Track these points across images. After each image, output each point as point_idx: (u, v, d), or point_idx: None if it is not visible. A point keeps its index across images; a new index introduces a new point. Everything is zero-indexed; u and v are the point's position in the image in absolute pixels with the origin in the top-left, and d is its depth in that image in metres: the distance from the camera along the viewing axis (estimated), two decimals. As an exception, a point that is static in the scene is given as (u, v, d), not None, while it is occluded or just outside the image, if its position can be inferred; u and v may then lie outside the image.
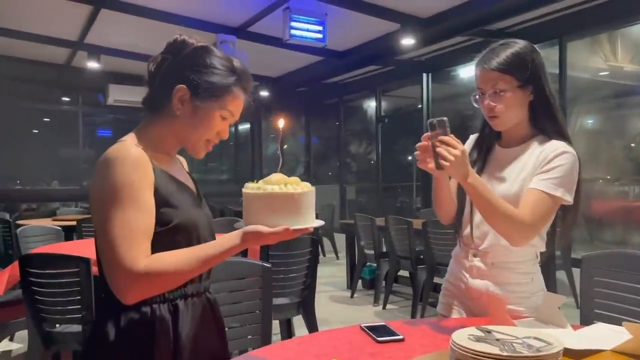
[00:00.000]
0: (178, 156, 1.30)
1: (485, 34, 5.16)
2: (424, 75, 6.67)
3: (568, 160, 1.37)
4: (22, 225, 4.30)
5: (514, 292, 1.44)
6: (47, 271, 2.31)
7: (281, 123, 1.21)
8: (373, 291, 5.04)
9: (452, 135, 1.28)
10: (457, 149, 1.26)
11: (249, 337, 2.06)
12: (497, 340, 1.07)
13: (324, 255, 7.61)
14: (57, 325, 2.44)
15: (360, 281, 5.37)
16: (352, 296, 5.15)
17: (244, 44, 5.57)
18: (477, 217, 1.46)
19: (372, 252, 4.91)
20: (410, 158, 8.65)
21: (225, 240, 1.01)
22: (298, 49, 5.75)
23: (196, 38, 1.14)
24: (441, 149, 1.26)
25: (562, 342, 1.04)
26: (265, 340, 2.05)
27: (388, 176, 8.32)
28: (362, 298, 5.14)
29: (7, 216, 5.47)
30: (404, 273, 4.84)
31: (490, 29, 5.15)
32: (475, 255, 1.50)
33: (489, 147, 1.54)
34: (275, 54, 6.18)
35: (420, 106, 6.80)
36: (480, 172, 1.50)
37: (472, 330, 1.12)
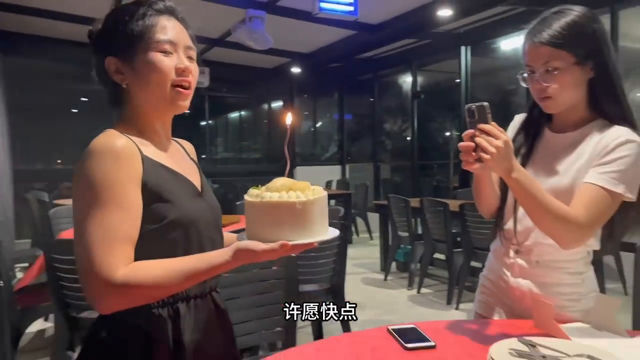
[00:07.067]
0: (183, 141, 1.19)
1: (530, 2, 4.81)
2: (462, 48, 6.36)
3: (633, 151, 1.17)
4: (61, 204, 4.36)
5: (561, 294, 1.28)
6: (72, 257, 2.27)
7: (289, 119, 1.03)
8: (407, 274, 4.90)
9: (493, 122, 1.11)
10: (500, 139, 1.08)
11: (278, 328, 1.97)
12: (544, 357, 0.92)
13: (357, 235, 7.50)
14: (84, 311, 2.42)
15: (394, 263, 5.25)
16: (385, 279, 5.03)
17: (273, 19, 5.41)
18: (521, 210, 1.29)
19: (406, 234, 4.76)
20: (447, 134, 8.37)
21: (216, 256, 0.90)
22: (329, 23, 5.55)
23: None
24: (481, 139, 1.09)
25: (622, 363, 0.89)
26: (290, 332, 1.96)
27: (424, 154, 8.08)
28: (395, 281, 5.01)
29: (45, 196, 5.58)
30: (439, 256, 4.68)
31: (535, -3, 4.81)
32: (517, 252, 1.34)
33: (538, 132, 1.35)
34: (306, 29, 6.00)
35: (458, 81, 6.51)
36: (526, 160, 1.32)
37: (514, 343, 0.98)
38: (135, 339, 0.93)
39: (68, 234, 3.15)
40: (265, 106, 9.78)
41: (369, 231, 7.27)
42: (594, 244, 1.28)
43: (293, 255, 1.91)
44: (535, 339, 1.00)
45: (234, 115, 10.53)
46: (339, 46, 6.95)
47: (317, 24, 5.55)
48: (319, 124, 9.74)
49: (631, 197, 1.18)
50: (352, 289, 4.37)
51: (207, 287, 1.05)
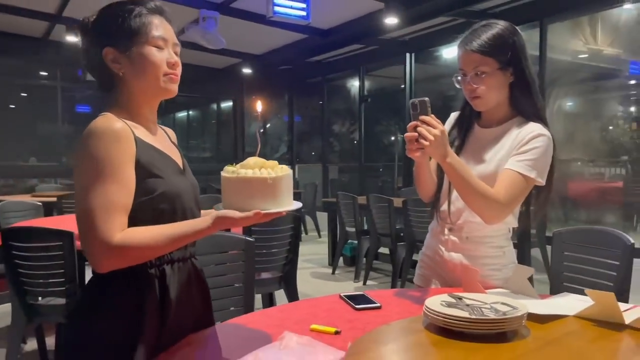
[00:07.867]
0: (166, 128, 1.33)
1: (468, 15, 5.19)
2: (407, 55, 6.68)
3: (543, 143, 1.42)
4: (2, 200, 4.27)
5: (486, 265, 1.51)
6: (30, 245, 2.32)
7: (259, 106, 1.21)
8: (354, 268, 5.14)
9: (432, 115, 1.32)
10: (437, 128, 1.29)
11: (232, 308, 2.11)
12: (467, 305, 1.13)
13: (306, 234, 7.69)
14: (40, 298, 2.46)
15: (341, 258, 5.47)
16: (333, 272, 5.24)
17: (226, 21, 5.51)
18: (455, 193, 1.51)
19: (353, 229, 4.99)
20: (392, 138, 8.72)
21: (198, 222, 1.05)
22: (281, 26, 5.71)
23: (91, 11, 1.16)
24: (422, 129, 1.30)
25: (527, 307, 1.11)
26: (248, 312, 2.09)
27: (370, 156, 8.38)
28: (343, 274, 5.24)
29: (-15, 192, 5.41)
30: (384, 250, 4.94)
31: (473, 10, 5.18)
32: (450, 230, 1.56)
33: (469, 127, 1.58)
34: (258, 31, 6.13)
35: (403, 86, 6.83)
36: (459, 150, 1.55)
37: (445, 297, 1.19)
38: (127, 295, 1.07)
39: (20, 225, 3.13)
40: (215, 106, 9.80)
41: (318, 229, 7.47)
42: (513, 221, 1.52)
43: (253, 240, 2.06)
44: (462, 294, 1.21)
45: (182, 114, 10.47)
46: (290, 49, 7.12)
47: (270, 26, 5.69)
48: (268, 125, 9.87)
49: (541, 181, 1.43)
50: (302, 282, 4.52)
51: (188, 253, 1.21)
